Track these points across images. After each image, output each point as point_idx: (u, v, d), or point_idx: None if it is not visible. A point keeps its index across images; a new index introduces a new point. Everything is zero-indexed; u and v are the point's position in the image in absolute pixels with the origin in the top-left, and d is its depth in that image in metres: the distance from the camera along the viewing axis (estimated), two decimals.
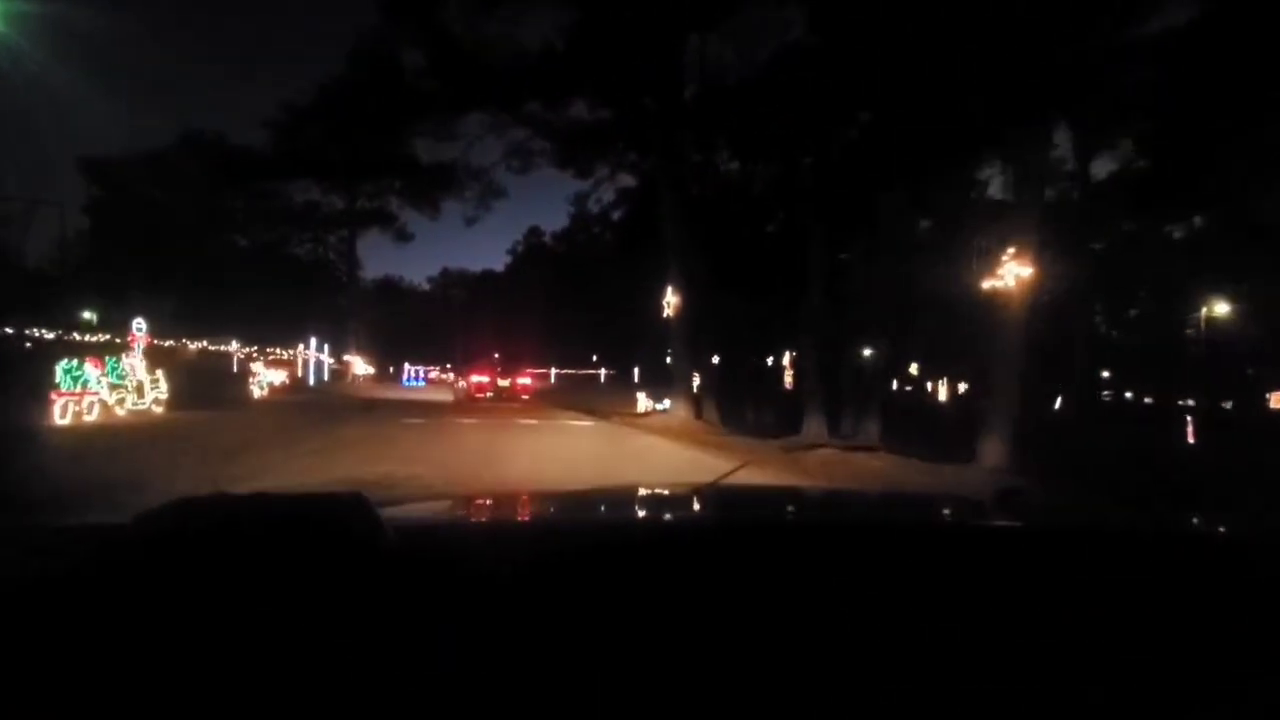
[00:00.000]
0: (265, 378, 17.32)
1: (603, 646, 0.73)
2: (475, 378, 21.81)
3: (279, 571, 0.71)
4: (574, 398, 24.29)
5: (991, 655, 0.76)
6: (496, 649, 0.71)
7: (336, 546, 0.74)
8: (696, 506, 1.51)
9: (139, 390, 11.73)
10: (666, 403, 19.45)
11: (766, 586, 0.83)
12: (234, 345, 27.28)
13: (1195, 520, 1.31)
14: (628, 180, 23.87)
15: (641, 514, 1.45)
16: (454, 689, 0.68)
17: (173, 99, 76.10)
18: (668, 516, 1.45)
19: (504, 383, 21.29)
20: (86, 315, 43.73)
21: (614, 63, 16.44)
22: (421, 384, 40.28)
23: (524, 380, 22.35)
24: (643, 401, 19.53)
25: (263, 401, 16.00)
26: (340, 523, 0.76)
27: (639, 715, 0.69)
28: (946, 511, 1.52)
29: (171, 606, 0.69)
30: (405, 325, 48.82)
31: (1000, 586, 0.87)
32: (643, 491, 1.76)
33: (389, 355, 47.02)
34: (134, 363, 11.71)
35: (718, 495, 1.65)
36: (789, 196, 17.58)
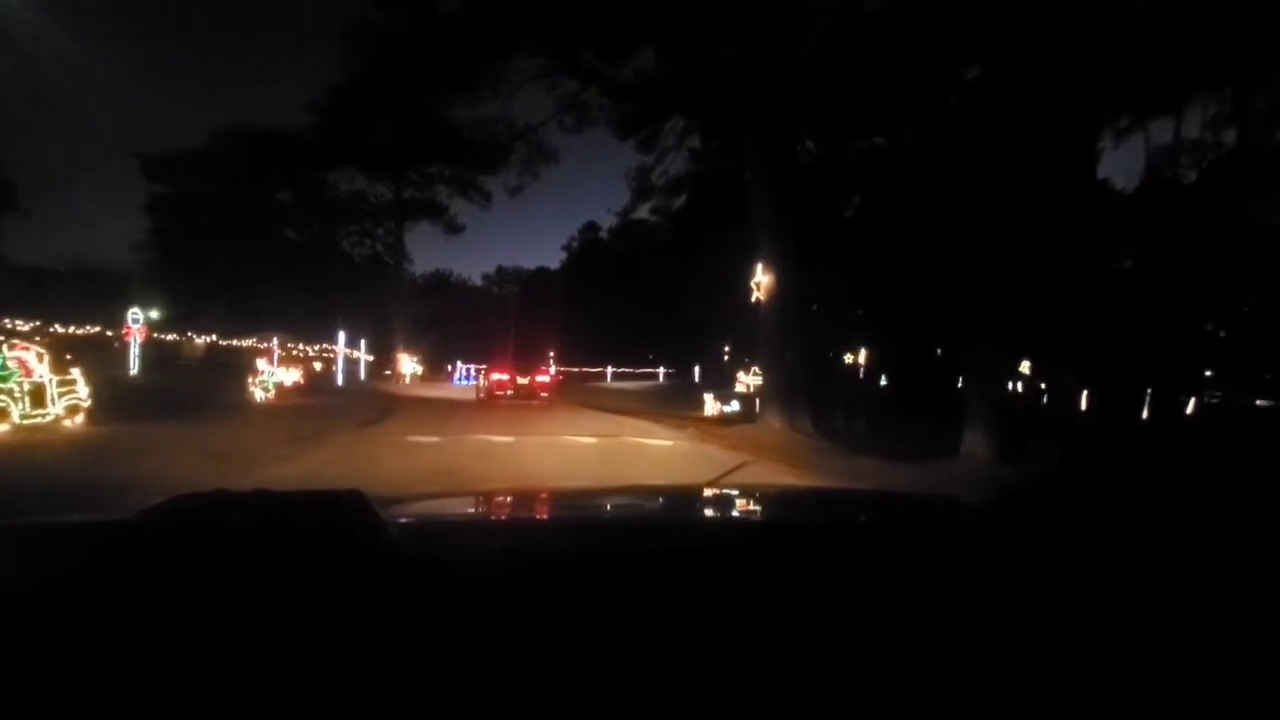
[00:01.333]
0: (271, 377, 14.42)
1: (601, 645, 0.73)
2: (495, 375, 21.48)
3: (278, 569, 0.70)
4: (634, 401, 22.00)
5: (988, 656, 0.75)
6: (496, 647, 0.71)
7: (336, 544, 0.74)
8: (697, 507, 1.53)
9: (36, 397, 8.35)
10: (734, 404, 17.78)
11: (767, 587, 0.83)
12: (274, 342, 25.59)
13: (1187, 512, 1.28)
14: (695, 153, 20.42)
15: (641, 513, 1.43)
16: (453, 687, 0.67)
17: (204, 92, 77.01)
18: (668, 516, 1.42)
19: (523, 380, 20.98)
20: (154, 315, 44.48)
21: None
22: (475, 383, 38.17)
23: (542, 378, 21.89)
24: (710, 404, 17.79)
25: (259, 406, 12.95)
26: (340, 520, 0.76)
27: (638, 714, 0.68)
28: (938, 514, 1.49)
29: (171, 603, 0.68)
30: (458, 322, 46.78)
31: (997, 587, 0.86)
32: (643, 491, 1.98)
33: (442, 353, 45.22)
34: (26, 359, 8.18)
35: (717, 495, 1.71)
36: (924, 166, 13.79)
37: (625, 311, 51.76)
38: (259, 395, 13.74)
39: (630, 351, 53.53)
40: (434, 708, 0.66)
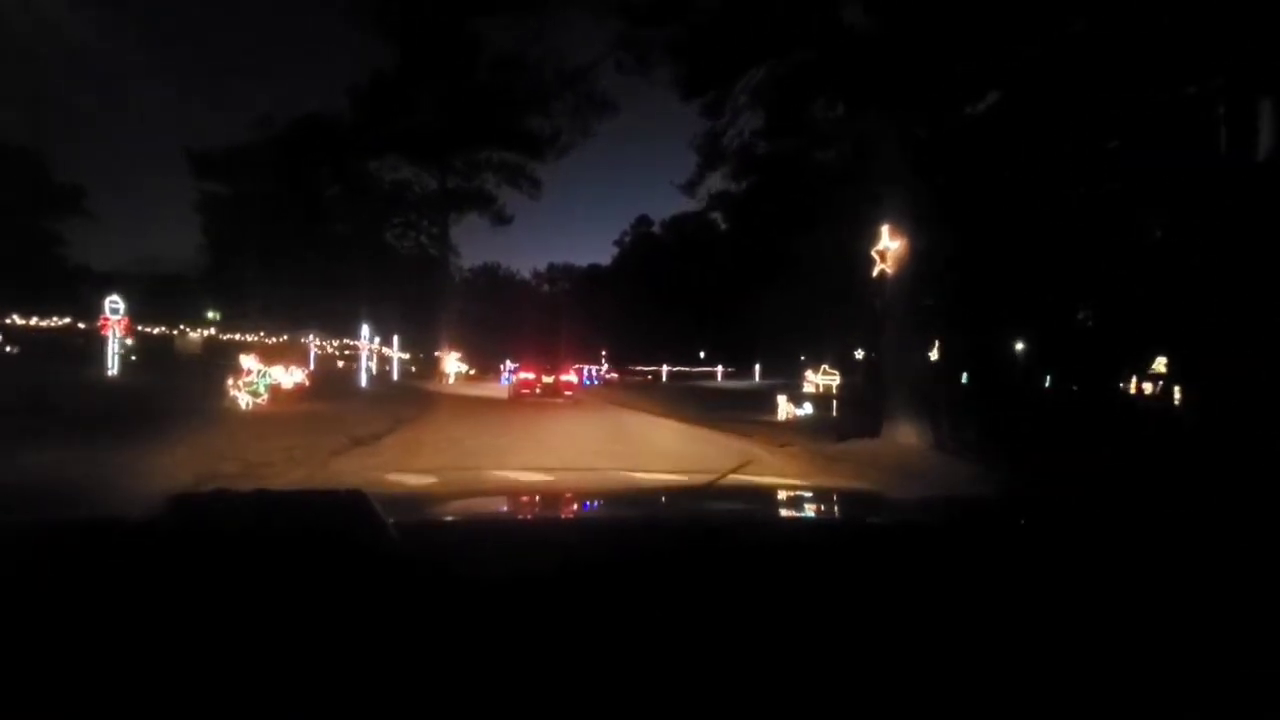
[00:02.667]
0: (263, 379, 11.45)
1: (603, 646, 0.73)
2: (522, 374, 21.59)
3: (278, 569, 0.70)
4: (692, 404, 19.13)
5: (987, 657, 0.75)
6: (497, 649, 0.71)
7: (337, 545, 0.74)
8: (702, 504, 1.50)
9: None
10: (807, 407, 16.53)
11: (768, 586, 0.83)
12: (311, 338, 23.70)
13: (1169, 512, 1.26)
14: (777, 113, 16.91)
15: (646, 512, 1.41)
16: (454, 689, 0.67)
17: (259, 88, 77.27)
18: (672, 515, 1.38)
19: (548, 379, 20.94)
20: (211, 314, 44.34)
21: None
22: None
23: (567, 377, 21.79)
24: (783, 406, 15.90)
25: (232, 417, 9.93)
26: (341, 521, 0.76)
27: (640, 715, 0.68)
28: (932, 513, 1.50)
29: (171, 603, 0.68)
30: (509, 319, 44.48)
31: (998, 587, 0.86)
32: (646, 490, 1.87)
33: (492, 351, 43.13)
34: None
35: (723, 492, 1.67)
36: None
37: (679, 308, 48.88)
38: (243, 401, 11.04)
39: (682, 350, 50.42)
40: (435, 709, 0.66)
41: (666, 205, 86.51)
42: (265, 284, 35.73)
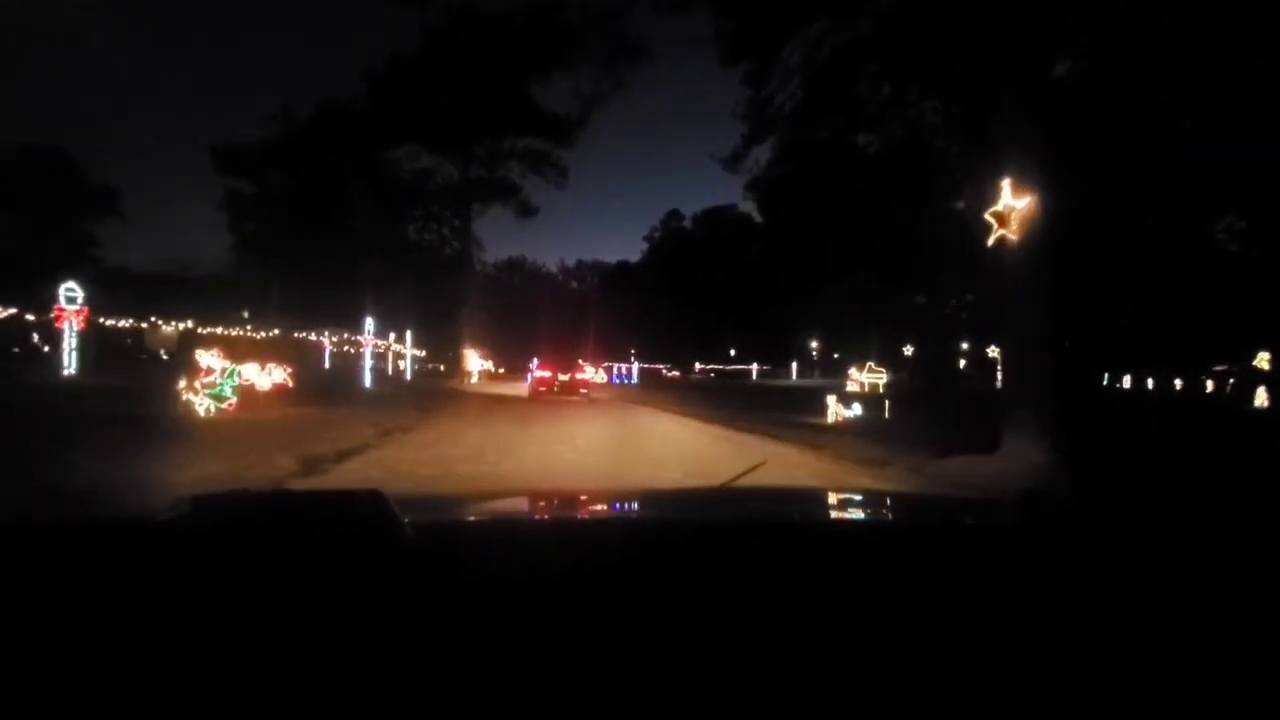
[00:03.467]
0: (229, 380, 9.56)
1: (616, 647, 0.73)
2: (539, 372, 21.39)
3: (297, 568, 0.71)
4: (728, 405, 17.10)
5: (995, 659, 0.75)
6: (511, 648, 0.71)
7: (355, 544, 0.74)
8: (717, 508, 1.50)
9: None
10: (856, 408, 15.20)
11: (778, 589, 0.83)
12: (325, 335, 22.22)
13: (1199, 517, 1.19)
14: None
15: (660, 516, 1.40)
16: (469, 687, 0.67)
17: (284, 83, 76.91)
18: (687, 518, 1.36)
19: (564, 377, 20.86)
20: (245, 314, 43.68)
21: None
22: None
23: (583, 375, 21.70)
24: (833, 407, 14.75)
25: (178, 428, 7.95)
26: (359, 520, 0.76)
27: (649, 713, 0.68)
28: (951, 514, 1.46)
29: (192, 601, 0.69)
30: (537, 315, 42.65)
31: (1006, 588, 0.85)
32: (659, 493, 1.96)
33: (517, 347, 41.46)
34: None
35: (738, 496, 1.71)
36: None
37: (710, 304, 46.88)
38: (202, 406, 9.04)
39: (713, 347, 48.57)
40: (450, 707, 0.66)
41: (697, 199, 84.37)
42: (286, 280, 34.60)
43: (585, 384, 21.71)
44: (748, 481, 1.95)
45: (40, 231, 36.83)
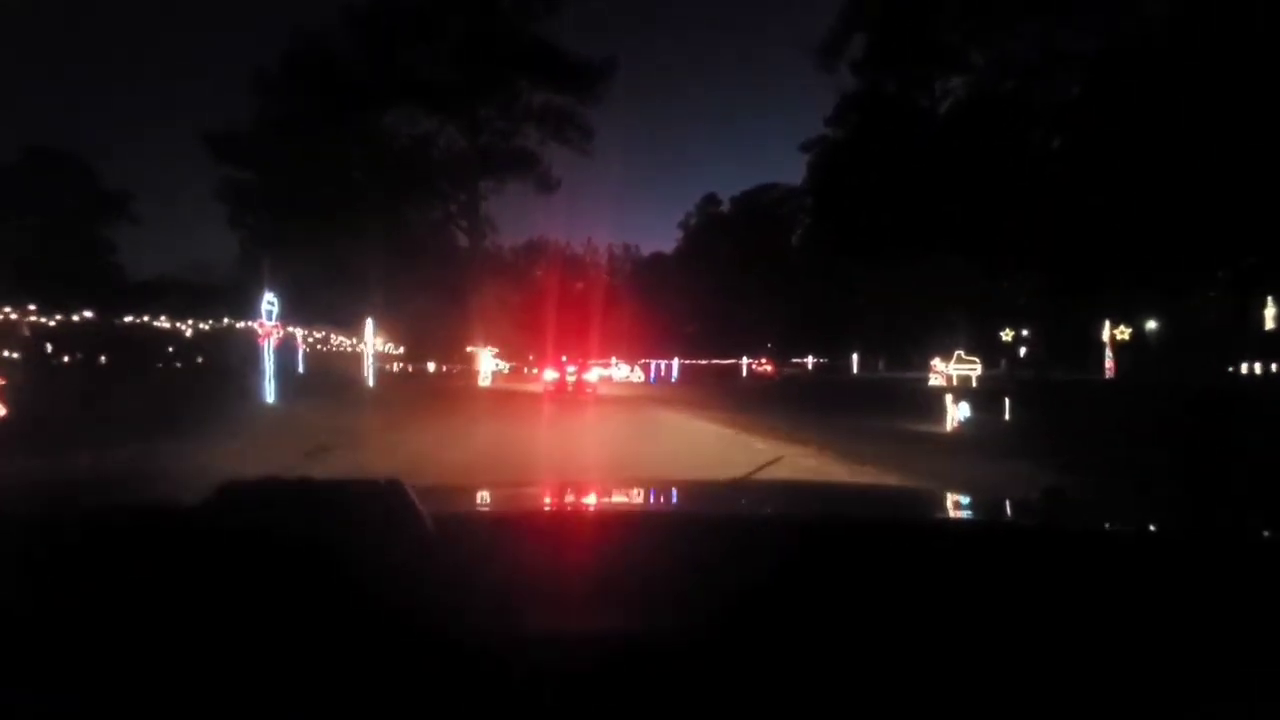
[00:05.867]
0: None
1: (636, 638, 0.74)
2: (549, 374, 21.49)
3: (319, 556, 0.73)
4: (814, 413, 12.79)
5: (1005, 658, 0.75)
6: (530, 639, 0.72)
7: (375, 532, 0.76)
8: (738, 501, 1.53)
9: None
10: (964, 408, 12.58)
11: (796, 584, 0.83)
12: (299, 332, 18.06)
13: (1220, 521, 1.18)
14: None
15: (681, 508, 1.39)
16: (486, 675, 0.69)
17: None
18: (707, 510, 1.38)
19: (571, 378, 20.49)
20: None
21: None
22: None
23: (590, 376, 21.08)
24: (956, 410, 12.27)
25: None
26: (380, 508, 0.78)
27: (660, 703, 0.69)
28: (969, 510, 1.44)
29: (220, 587, 0.71)
30: (564, 306, 37.93)
31: (1017, 588, 0.85)
32: (681, 484, 1.83)
33: (546, 345, 36.86)
34: None
35: (759, 489, 1.81)
36: None
37: (751, 293, 43.50)
38: None
39: (758, 340, 45.06)
40: (467, 697, 0.67)
41: (733, 183, 79.16)
42: (286, 273, 30.76)
43: (591, 385, 20.31)
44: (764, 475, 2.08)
45: (54, 237, 36.02)
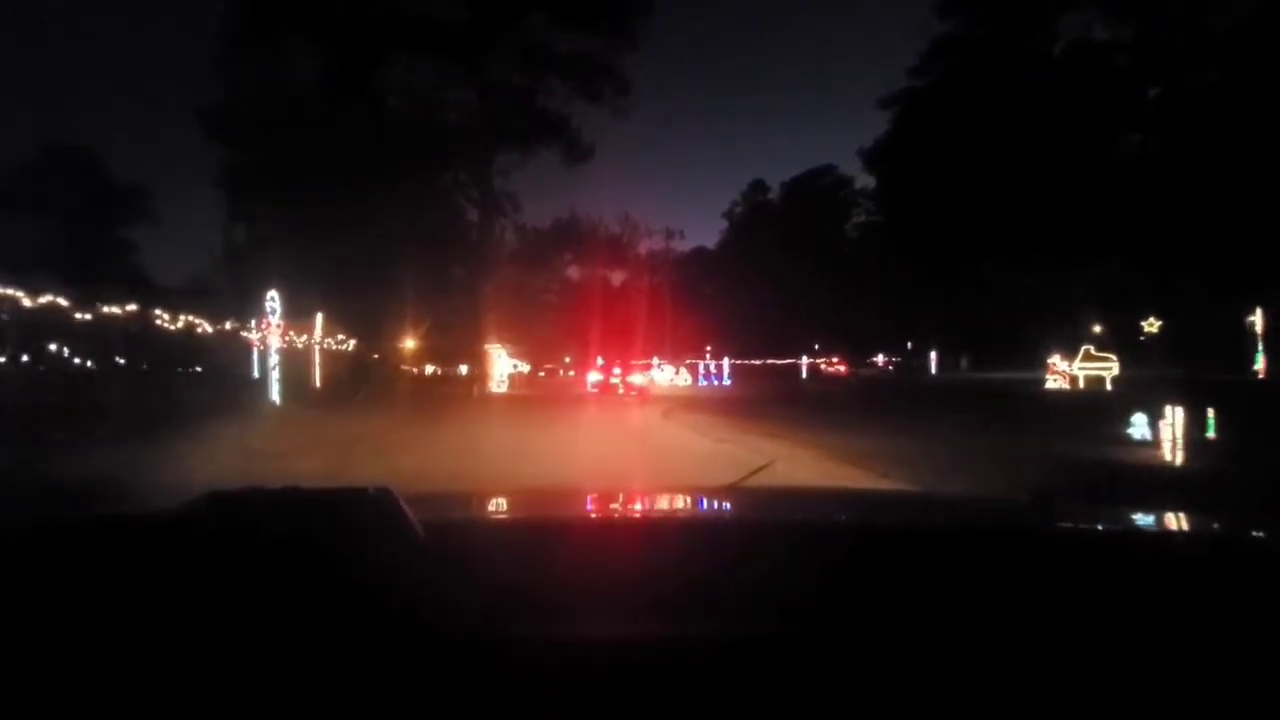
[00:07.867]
0: None
1: (627, 648, 0.73)
2: (593, 376, 21.19)
3: (307, 564, 0.73)
4: (922, 432, 8.83)
5: (1004, 661, 0.75)
6: (520, 648, 0.72)
7: (365, 541, 0.76)
8: (728, 508, 1.53)
9: None
10: (1143, 424, 9.23)
11: (794, 589, 0.83)
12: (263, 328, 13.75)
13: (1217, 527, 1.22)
14: None
15: (672, 515, 1.37)
16: (477, 682, 0.69)
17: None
18: (698, 518, 1.35)
19: (614, 380, 19.88)
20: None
21: None
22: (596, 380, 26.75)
23: (637, 378, 20.01)
24: (1140, 428, 8.82)
25: None
26: (369, 517, 0.78)
27: (652, 710, 0.69)
28: (958, 513, 1.46)
29: (206, 595, 0.71)
30: (599, 298, 33.18)
31: (1018, 592, 0.84)
32: (670, 492, 1.86)
33: (580, 345, 32.30)
34: None
35: (749, 496, 1.84)
36: None
37: (800, 287, 39.06)
38: None
39: (802, 338, 40.58)
40: (457, 704, 0.67)
41: (780, 169, 73.49)
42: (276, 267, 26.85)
43: (638, 389, 19.21)
44: (756, 481, 2.11)
45: (73, 236, 34.05)
